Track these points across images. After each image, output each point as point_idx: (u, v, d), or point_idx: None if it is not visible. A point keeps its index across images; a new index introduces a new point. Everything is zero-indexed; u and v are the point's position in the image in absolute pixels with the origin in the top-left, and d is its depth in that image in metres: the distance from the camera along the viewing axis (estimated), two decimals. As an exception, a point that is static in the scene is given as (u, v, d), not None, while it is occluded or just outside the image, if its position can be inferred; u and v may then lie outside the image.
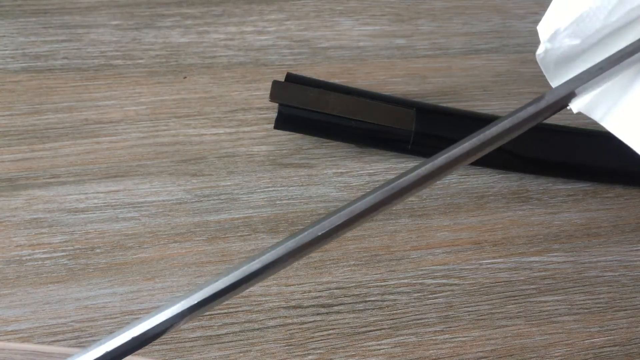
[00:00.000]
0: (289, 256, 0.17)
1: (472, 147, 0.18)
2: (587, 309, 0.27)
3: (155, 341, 0.25)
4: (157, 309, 0.17)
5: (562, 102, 0.19)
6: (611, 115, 0.20)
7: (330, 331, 0.26)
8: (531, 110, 0.18)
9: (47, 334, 0.25)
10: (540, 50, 0.19)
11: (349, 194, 0.29)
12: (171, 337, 0.25)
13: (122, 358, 0.16)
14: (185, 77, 0.32)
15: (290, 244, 0.17)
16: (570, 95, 0.19)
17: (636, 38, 0.19)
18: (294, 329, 0.26)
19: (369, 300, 0.27)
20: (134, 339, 0.16)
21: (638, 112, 0.20)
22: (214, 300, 0.17)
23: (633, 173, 0.31)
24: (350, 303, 0.27)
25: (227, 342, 0.25)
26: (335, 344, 0.25)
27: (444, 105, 0.32)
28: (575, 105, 0.21)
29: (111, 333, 0.25)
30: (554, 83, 0.21)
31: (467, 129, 0.32)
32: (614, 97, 0.20)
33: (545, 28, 0.19)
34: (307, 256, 0.17)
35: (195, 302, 0.17)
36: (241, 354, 0.25)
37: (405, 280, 0.27)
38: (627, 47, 0.19)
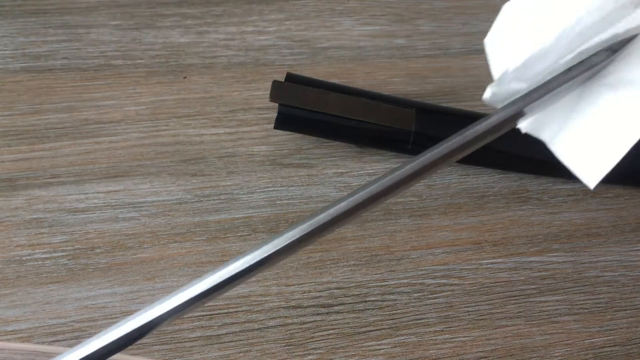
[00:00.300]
0: (274, 255, 0.17)
1: (409, 173, 0.18)
2: (587, 309, 0.27)
3: (156, 340, 0.25)
4: (139, 311, 0.17)
5: (510, 122, 0.19)
6: (557, 138, 0.20)
7: (331, 331, 0.26)
8: (479, 129, 0.18)
9: (47, 334, 0.25)
10: (487, 95, 0.19)
11: (349, 194, 0.29)
12: (171, 337, 0.25)
13: (108, 357, 0.16)
14: (185, 77, 0.32)
15: (273, 244, 0.17)
16: (518, 115, 0.19)
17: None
18: (294, 329, 0.26)
19: (369, 300, 0.27)
20: (119, 339, 0.16)
21: (578, 136, 0.20)
22: (205, 296, 0.17)
23: (633, 173, 0.30)
24: (350, 303, 0.27)
25: (227, 342, 0.25)
26: (335, 344, 0.25)
27: (444, 105, 0.32)
28: (523, 126, 0.21)
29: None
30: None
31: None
32: (559, 120, 0.21)
33: (493, 69, 0.19)
34: (289, 256, 0.17)
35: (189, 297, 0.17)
36: (241, 354, 0.25)
37: (405, 280, 0.27)
38: (573, 67, 0.19)
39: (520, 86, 0.19)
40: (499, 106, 0.20)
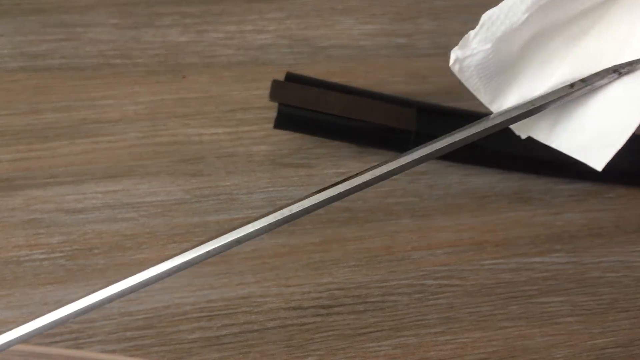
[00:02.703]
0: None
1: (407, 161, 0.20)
2: (589, 310, 0.27)
3: (155, 342, 0.25)
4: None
5: (502, 126, 0.19)
6: (555, 133, 0.20)
7: (331, 332, 0.26)
8: (473, 130, 0.19)
9: (45, 335, 0.25)
10: (451, 61, 0.19)
11: (349, 194, 0.29)
12: (170, 339, 0.25)
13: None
14: (184, 77, 0.32)
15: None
16: (510, 121, 0.19)
17: (551, 49, 0.19)
18: (294, 330, 0.26)
19: (370, 301, 0.27)
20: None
21: (579, 125, 0.20)
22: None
23: (635, 173, 0.30)
24: (350, 304, 0.26)
25: (227, 343, 0.25)
26: (335, 345, 0.25)
27: (445, 104, 0.32)
28: (517, 128, 0.21)
29: (108, 334, 0.25)
30: (485, 100, 0.20)
31: (468, 129, 0.31)
32: (552, 116, 0.20)
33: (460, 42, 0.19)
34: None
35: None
36: (240, 356, 0.25)
37: (406, 281, 0.27)
38: (557, 90, 0.19)
39: (485, 46, 0.19)
40: (473, 80, 0.19)
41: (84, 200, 0.28)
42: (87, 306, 0.18)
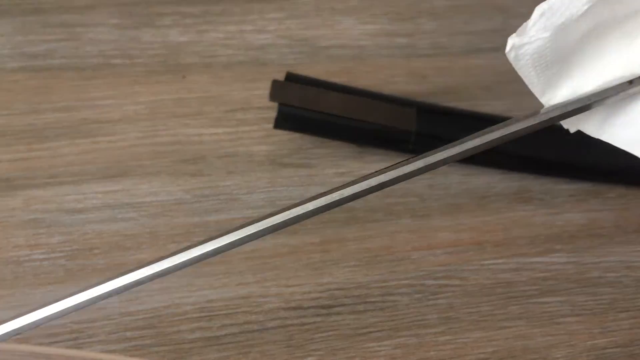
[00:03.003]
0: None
1: (456, 153, 0.19)
2: (589, 310, 0.27)
3: (155, 342, 0.25)
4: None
5: (553, 121, 0.19)
6: (608, 129, 0.20)
7: (331, 332, 0.26)
8: (522, 124, 0.19)
9: (45, 335, 0.25)
10: (507, 48, 0.19)
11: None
12: (170, 339, 0.25)
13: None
14: (184, 77, 0.32)
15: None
16: (562, 117, 0.19)
17: (608, 43, 0.19)
18: (294, 330, 0.26)
19: (370, 301, 0.26)
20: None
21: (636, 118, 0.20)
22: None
23: (636, 173, 0.30)
24: (350, 304, 0.26)
25: (227, 343, 0.25)
26: (335, 345, 0.25)
27: (445, 104, 0.32)
28: (566, 122, 0.20)
29: (108, 334, 0.25)
30: (537, 91, 0.20)
31: (468, 129, 0.31)
32: (604, 111, 0.20)
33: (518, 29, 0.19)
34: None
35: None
36: (240, 356, 0.25)
37: (406, 281, 0.27)
38: (614, 87, 0.19)
39: (544, 35, 0.18)
40: (528, 70, 0.19)
41: (84, 200, 0.28)
42: (83, 302, 0.18)
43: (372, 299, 0.27)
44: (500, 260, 0.28)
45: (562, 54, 0.19)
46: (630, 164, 0.30)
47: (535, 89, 0.20)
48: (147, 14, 0.34)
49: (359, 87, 0.31)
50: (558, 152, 0.30)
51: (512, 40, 0.19)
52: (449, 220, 0.29)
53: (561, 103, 0.19)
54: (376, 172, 0.19)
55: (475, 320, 0.26)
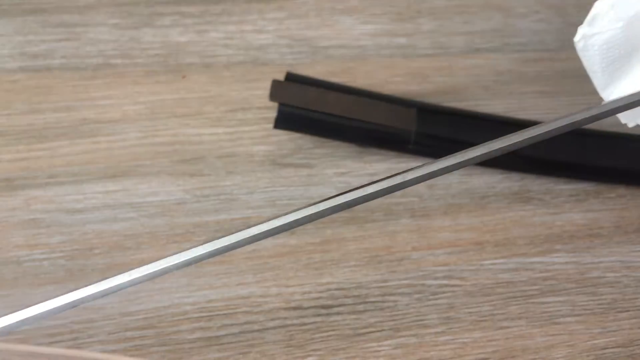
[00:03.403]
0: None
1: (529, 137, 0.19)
2: (589, 310, 0.27)
3: (155, 342, 0.25)
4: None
5: (610, 114, 0.19)
6: None
7: (331, 332, 0.26)
8: (585, 114, 0.18)
9: (45, 335, 0.25)
10: (577, 37, 0.18)
11: (350, 194, 0.29)
12: (170, 339, 0.25)
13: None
14: (184, 77, 0.32)
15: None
16: (619, 109, 0.18)
17: None
18: (294, 330, 0.26)
19: (370, 302, 0.26)
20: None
21: None
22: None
23: (636, 173, 0.30)
24: (350, 304, 0.26)
25: (226, 343, 0.25)
26: (335, 345, 0.25)
27: (445, 104, 0.32)
28: (624, 116, 0.20)
29: (108, 334, 0.25)
30: (600, 83, 0.19)
31: (468, 129, 0.32)
32: None
33: (587, 19, 0.18)
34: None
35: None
36: (240, 356, 0.25)
37: (406, 281, 0.27)
38: None
39: (617, 25, 0.18)
40: (594, 60, 0.18)
41: (84, 200, 0.28)
42: (79, 299, 0.18)
43: (372, 299, 0.27)
44: (500, 260, 0.28)
45: (630, 46, 0.18)
46: (630, 164, 0.30)
47: (598, 82, 0.19)
48: (147, 14, 0.34)
49: (359, 87, 0.31)
50: (558, 152, 0.30)
51: (582, 30, 0.18)
52: (449, 221, 0.29)
53: (625, 97, 0.18)
54: (408, 169, 0.19)
55: (475, 320, 0.26)
